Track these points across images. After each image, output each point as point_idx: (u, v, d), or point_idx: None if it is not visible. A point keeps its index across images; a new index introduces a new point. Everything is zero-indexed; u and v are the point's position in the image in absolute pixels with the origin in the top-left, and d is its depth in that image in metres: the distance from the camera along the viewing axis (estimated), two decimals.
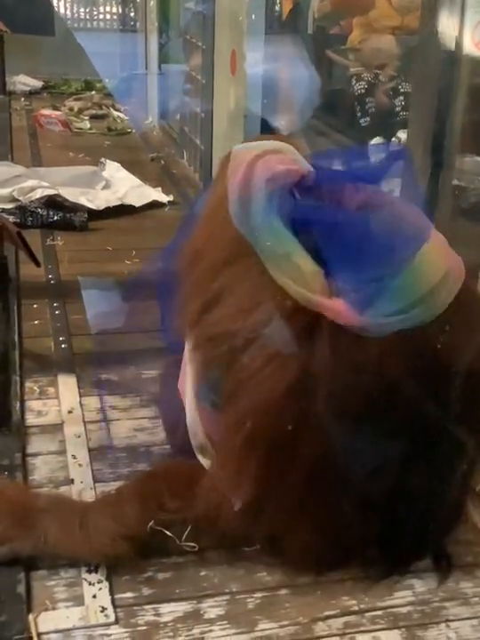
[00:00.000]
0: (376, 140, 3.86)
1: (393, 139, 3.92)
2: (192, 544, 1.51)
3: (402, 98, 4.08)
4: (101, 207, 3.61)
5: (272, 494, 1.46)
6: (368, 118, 4.25)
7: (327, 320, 1.38)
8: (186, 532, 1.50)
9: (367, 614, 1.45)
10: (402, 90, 4.13)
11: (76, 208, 3.49)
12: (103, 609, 1.42)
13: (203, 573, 1.52)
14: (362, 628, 1.42)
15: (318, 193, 1.47)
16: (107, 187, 3.94)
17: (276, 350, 1.39)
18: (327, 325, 1.38)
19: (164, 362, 1.91)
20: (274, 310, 1.39)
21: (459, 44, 2.03)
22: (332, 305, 1.38)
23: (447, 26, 2.02)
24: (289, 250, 1.41)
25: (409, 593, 1.51)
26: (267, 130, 3.30)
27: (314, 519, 1.48)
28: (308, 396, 1.38)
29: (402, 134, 3.63)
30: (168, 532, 1.49)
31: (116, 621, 1.40)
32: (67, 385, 2.17)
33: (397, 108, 4.13)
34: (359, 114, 4.25)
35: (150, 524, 1.47)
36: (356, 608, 1.46)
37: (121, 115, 5.95)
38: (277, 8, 6.30)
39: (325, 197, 1.48)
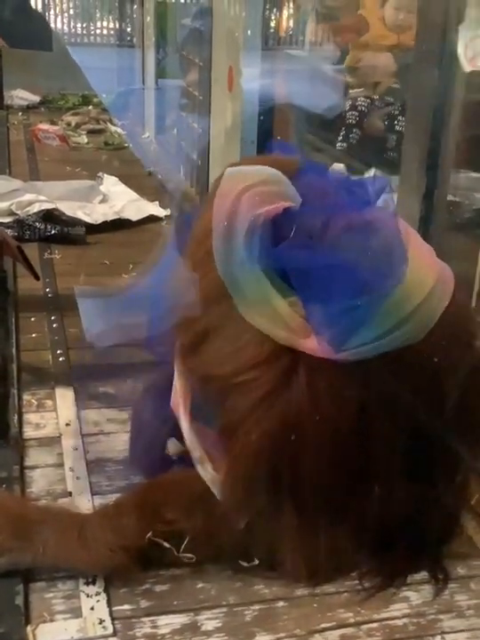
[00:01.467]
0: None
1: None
2: (190, 555, 1.52)
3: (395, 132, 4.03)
4: (99, 221, 3.62)
5: (272, 515, 1.48)
6: (345, 145, 4.27)
7: (307, 356, 1.40)
8: (184, 544, 1.50)
9: (363, 626, 1.46)
10: (398, 120, 4.09)
11: (74, 222, 3.51)
12: (101, 621, 1.42)
13: (200, 586, 1.52)
14: None
15: (300, 224, 1.47)
16: (104, 201, 3.96)
17: (262, 393, 1.41)
18: (307, 361, 1.40)
19: (149, 374, 1.92)
20: (255, 354, 1.42)
21: (454, 60, 2.05)
22: (308, 344, 1.40)
23: (442, 42, 2.04)
24: (267, 295, 1.42)
25: (405, 605, 1.51)
26: (262, 146, 3.32)
27: (311, 533, 1.49)
28: (299, 429, 1.41)
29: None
30: (166, 544, 1.50)
31: (114, 633, 1.40)
32: (64, 398, 2.18)
33: (394, 137, 4.09)
34: (340, 137, 4.26)
35: (148, 535, 1.48)
36: (352, 620, 1.47)
37: (118, 129, 5.98)
38: (273, 25, 6.36)
39: (307, 228, 1.47)
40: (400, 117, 4.07)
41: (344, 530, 1.50)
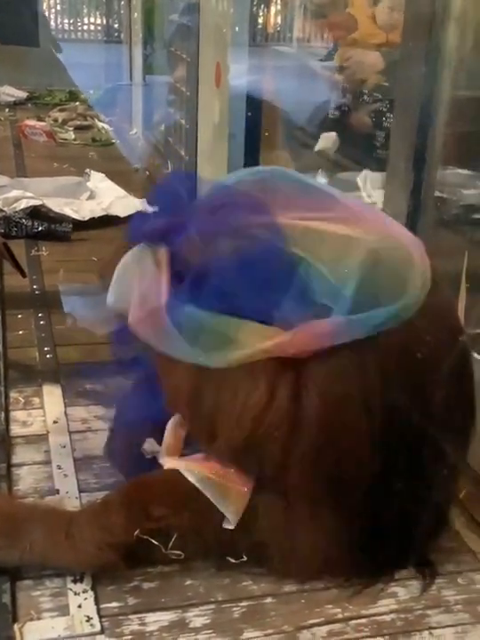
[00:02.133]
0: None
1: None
2: (178, 552, 1.51)
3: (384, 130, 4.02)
4: (86, 217, 3.61)
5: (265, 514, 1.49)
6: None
7: (305, 372, 1.40)
8: (172, 541, 1.50)
9: (351, 622, 1.46)
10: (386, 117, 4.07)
11: (61, 218, 3.50)
12: (88, 619, 1.42)
13: (188, 583, 1.52)
14: (346, 636, 1.43)
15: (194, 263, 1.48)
16: (91, 197, 3.95)
17: (288, 428, 1.42)
18: (308, 376, 1.40)
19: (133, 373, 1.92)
20: (258, 400, 1.42)
21: (441, 56, 2.05)
22: (293, 343, 1.39)
23: (429, 39, 2.04)
24: (227, 332, 1.42)
25: (392, 601, 1.52)
26: (250, 142, 3.32)
27: (300, 529, 1.49)
28: (303, 437, 1.42)
29: None
30: (154, 541, 1.49)
31: (102, 631, 1.40)
32: (52, 395, 2.17)
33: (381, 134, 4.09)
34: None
35: (136, 532, 1.48)
36: (340, 616, 1.47)
37: (105, 126, 5.97)
38: (261, 21, 6.35)
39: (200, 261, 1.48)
40: (388, 114, 4.07)
41: (334, 526, 1.50)
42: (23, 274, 2.42)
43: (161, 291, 1.47)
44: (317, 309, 1.39)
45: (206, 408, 1.49)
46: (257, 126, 3.37)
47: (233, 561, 1.54)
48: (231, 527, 1.49)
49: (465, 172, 2.96)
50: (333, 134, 4.12)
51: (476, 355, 1.71)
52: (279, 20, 7.01)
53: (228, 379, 1.44)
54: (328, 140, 4.09)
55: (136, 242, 1.56)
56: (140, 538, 1.48)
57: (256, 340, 1.40)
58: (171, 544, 1.50)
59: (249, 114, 3.34)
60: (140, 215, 1.68)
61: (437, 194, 2.40)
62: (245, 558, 1.54)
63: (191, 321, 1.43)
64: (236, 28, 3.33)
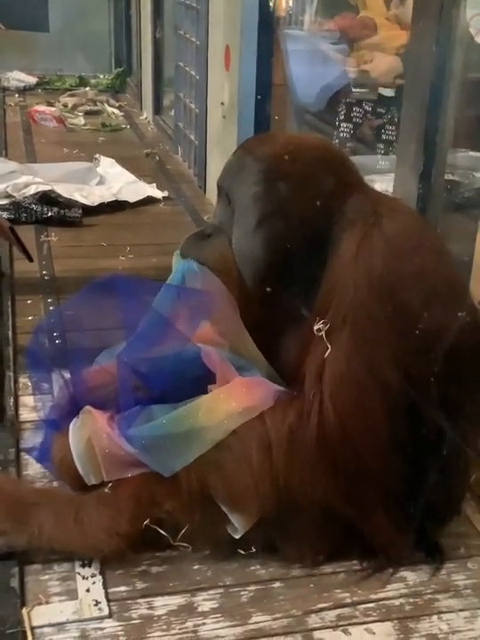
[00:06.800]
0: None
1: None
2: (186, 545, 1.52)
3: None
4: (96, 203, 3.61)
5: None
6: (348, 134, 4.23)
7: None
8: (181, 533, 1.49)
9: (360, 607, 1.46)
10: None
11: (71, 204, 3.49)
12: (97, 603, 1.42)
13: (196, 567, 1.52)
14: (354, 621, 1.43)
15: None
16: (101, 182, 3.94)
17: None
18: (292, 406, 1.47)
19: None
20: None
21: (451, 38, 2.03)
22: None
23: (440, 20, 2.01)
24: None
25: (401, 585, 1.51)
26: (259, 125, 3.30)
27: (310, 516, 1.48)
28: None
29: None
30: (163, 532, 1.49)
31: (110, 615, 1.40)
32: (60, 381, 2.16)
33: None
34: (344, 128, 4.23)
35: (146, 521, 1.47)
36: (348, 600, 1.47)
37: (115, 110, 5.95)
38: (271, 4, 6.29)
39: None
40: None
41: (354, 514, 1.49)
42: (30, 258, 2.41)
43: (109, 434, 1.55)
44: None
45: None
46: (266, 109, 3.35)
47: (242, 553, 1.54)
48: (237, 536, 1.48)
49: (477, 154, 2.93)
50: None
51: None
52: (291, 2, 6.92)
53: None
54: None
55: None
56: (148, 527, 1.48)
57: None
58: (180, 536, 1.50)
59: (258, 97, 3.32)
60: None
61: (449, 177, 2.37)
62: (254, 550, 1.53)
63: (143, 437, 1.50)
64: (246, 11, 3.30)
